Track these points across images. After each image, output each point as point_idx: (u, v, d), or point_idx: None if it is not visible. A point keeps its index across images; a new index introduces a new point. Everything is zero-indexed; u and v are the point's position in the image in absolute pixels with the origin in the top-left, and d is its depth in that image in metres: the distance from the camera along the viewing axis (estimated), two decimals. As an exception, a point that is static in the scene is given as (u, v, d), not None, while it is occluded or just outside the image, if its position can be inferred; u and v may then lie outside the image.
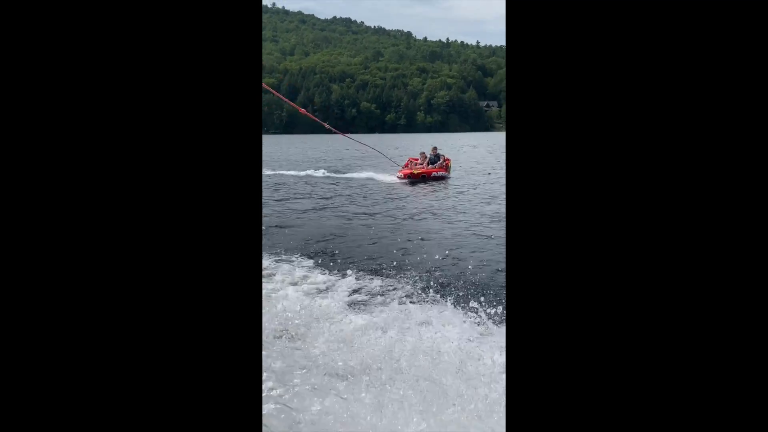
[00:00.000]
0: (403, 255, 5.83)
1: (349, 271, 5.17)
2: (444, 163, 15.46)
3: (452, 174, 15.91)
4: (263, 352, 2.65)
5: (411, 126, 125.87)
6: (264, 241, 6.38)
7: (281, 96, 6.31)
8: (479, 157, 26.92)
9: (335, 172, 18.65)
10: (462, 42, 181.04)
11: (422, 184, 13.98)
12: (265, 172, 18.18)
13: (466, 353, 3.29)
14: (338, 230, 7.53)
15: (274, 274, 5.27)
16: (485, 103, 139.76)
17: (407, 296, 4.53)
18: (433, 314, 4.06)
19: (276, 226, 7.72)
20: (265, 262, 5.67)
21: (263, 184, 13.46)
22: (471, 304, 4.10)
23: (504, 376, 1.77)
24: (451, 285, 4.73)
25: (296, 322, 3.92)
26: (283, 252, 6.07)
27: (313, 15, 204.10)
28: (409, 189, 13.14)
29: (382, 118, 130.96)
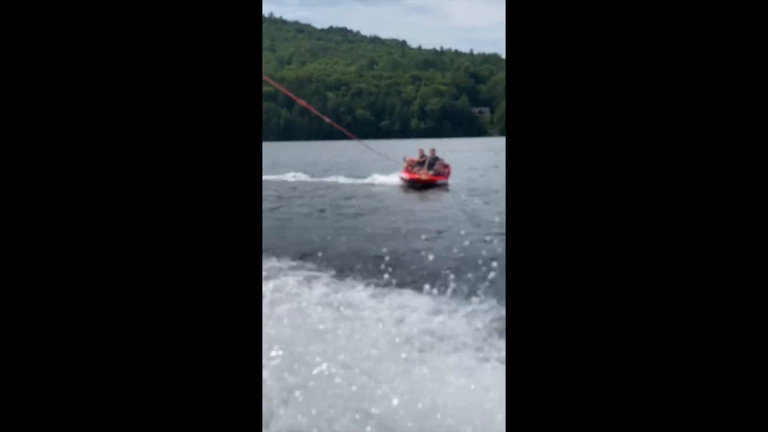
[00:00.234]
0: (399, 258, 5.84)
1: (351, 275, 5.10)
2: (446, 170, 15.22)
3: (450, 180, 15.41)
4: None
5: (405, 132, 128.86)
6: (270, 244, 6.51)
7: (309, 105, 6.98)
8: (478, 165, 26.12)
9: (348, 176, 18.48)
10: (456, 50, 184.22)
11: (425, 190, 13.82)
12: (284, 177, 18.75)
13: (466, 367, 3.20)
14: (335, 234, 7.58)
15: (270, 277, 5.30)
16: (478, 109, 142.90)
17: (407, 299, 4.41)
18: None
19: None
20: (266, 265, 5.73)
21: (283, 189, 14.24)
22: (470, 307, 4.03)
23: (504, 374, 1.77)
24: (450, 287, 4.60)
25: (289, 324, 3.84)
26: (284, 257, 6.05)
27: (309, 24, 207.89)
28: (414, 194, 13.23)
29: (377, 124, 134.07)
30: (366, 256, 6.06)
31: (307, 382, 2.89)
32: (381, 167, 17.02)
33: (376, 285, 4.73)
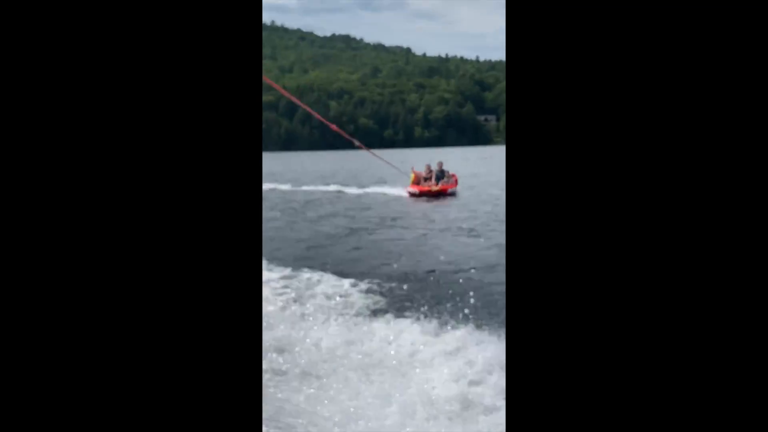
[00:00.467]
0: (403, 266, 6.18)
1: (350, 280, 5.39)
2: (453, 180, 15.78)
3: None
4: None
5: (409, 141, 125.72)
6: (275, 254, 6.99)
7: (318, 115, 6.79)
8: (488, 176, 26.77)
9: (358, 187, 19.20)
10: (461, 57, 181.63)
11: (434, 200, 14.49)
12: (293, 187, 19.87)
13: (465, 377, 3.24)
14: (340, 241, 8.10)
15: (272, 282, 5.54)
16: (483, 117, 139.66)
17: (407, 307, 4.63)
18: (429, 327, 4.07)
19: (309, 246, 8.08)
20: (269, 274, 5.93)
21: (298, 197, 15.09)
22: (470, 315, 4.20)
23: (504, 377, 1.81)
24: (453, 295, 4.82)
25: (290, 333, 4.02)
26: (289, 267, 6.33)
27: (312, 32, 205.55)
28: (424, 205, 13.79)
29: (381, 133, 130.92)
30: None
31: None
32: (389, 177, 17.91)
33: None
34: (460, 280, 5.57)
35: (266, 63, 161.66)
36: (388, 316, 4.48)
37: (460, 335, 3.85)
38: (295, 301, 5.01)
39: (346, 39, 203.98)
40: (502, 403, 2.83)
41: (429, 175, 15.68)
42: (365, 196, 16.46)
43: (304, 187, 20.19)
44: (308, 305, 4.85)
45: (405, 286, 5.36)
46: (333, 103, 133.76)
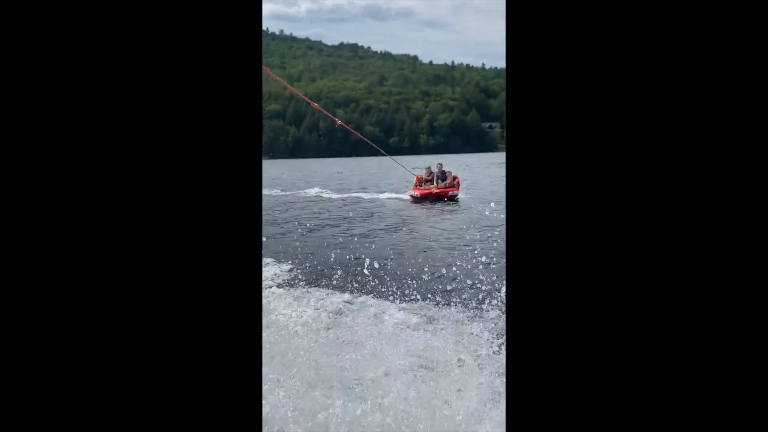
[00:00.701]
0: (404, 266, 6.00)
1: (351, 281, 5.28)
2: (455, 182, 15.47)
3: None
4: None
5: (414, 148, 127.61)
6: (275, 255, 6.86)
7: (332, 116, 6.91)
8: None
9: (366, 192, 19.20)
10: (468, 65, 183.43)
11: (436, 203, 14.18)
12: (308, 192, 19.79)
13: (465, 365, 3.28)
14: (344, 246, 7.85)
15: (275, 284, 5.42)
16: (488, 124, 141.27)
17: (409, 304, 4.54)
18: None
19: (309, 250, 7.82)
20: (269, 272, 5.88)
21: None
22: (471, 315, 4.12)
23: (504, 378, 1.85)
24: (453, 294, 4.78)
25: (293, 329, 3.97)
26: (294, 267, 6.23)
27: (320, 41, 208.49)
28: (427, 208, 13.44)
29: (386, 141, 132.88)
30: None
31: None
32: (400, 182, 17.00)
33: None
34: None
35: (275, 71, 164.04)
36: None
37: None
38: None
39: (354, 48, 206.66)
40: None
41: (429, 177, 15.51)
42: (368, 201, 16.33)
43: (288, 192, 20.59)
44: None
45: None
46: (339, 111, 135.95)
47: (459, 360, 3.37)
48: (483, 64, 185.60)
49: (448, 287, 5.09)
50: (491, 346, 3.56)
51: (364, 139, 10.27)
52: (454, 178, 15.63)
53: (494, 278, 5.22)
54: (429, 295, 4.78)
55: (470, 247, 7.54)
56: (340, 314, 4.44)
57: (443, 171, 15.55)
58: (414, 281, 5.15)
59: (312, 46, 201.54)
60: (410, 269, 5.71)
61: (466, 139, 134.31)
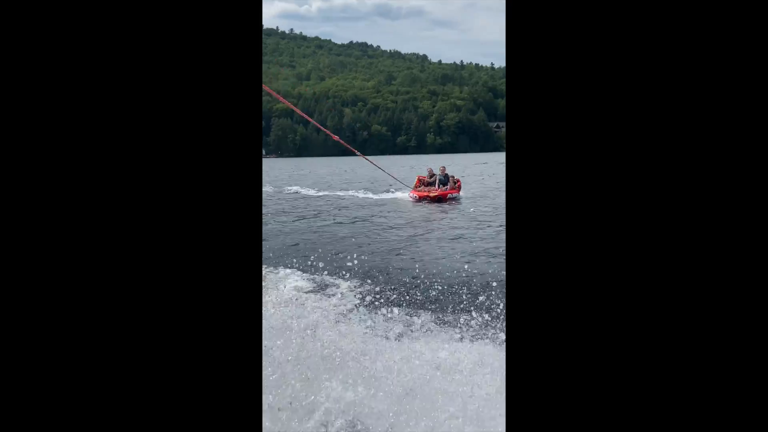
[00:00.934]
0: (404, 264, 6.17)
1: (349, 280, 5.29)
2: (456, 185, 15.46)
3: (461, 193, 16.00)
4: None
5: (421, 148, 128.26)
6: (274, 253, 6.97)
7: (319, 125, 6.52)
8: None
9: (366, 192, 19.33)
10: (477, 64, 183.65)
11: (436, 205, 14.17)
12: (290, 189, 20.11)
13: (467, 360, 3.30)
14: (348, 244, 8.11)
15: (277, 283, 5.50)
16: (495, 124, 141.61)
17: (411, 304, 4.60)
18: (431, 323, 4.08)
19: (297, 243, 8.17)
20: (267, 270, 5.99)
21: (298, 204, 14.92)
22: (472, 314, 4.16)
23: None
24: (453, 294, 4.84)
25: (295, 326, 3.94)
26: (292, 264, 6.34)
27: (330, 40, 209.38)
28: (424, 209, 13.59)
29: (393, 140, 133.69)
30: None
31: None
32: (396, 183, 17.35)
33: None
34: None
35: (284, 71, 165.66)
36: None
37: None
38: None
39: (363, 46, 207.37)
40: None
41: (431, 180, 15.56)
42: (368, 200, 16.61)
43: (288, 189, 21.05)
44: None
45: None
46: (347, 110, 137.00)
47: (460, 360, 3.36)
48: (492, 64, 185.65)
49: (448, 287, 5.07)
50: (491, 346, 3.55)
51: (340, 140, 10.53)
52: (456, 181, 15.58)
53: (494, 278, 5.38)
54: (425, 295, 4.87)
55: (470, 245, 7.87)
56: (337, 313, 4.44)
57: (446, 174, 15.51)
58: (411, 281, 5.16)
59: (322, 44, 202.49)
60: (408, 269, 5.73)
61: (473, 139, 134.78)
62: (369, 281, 5.38)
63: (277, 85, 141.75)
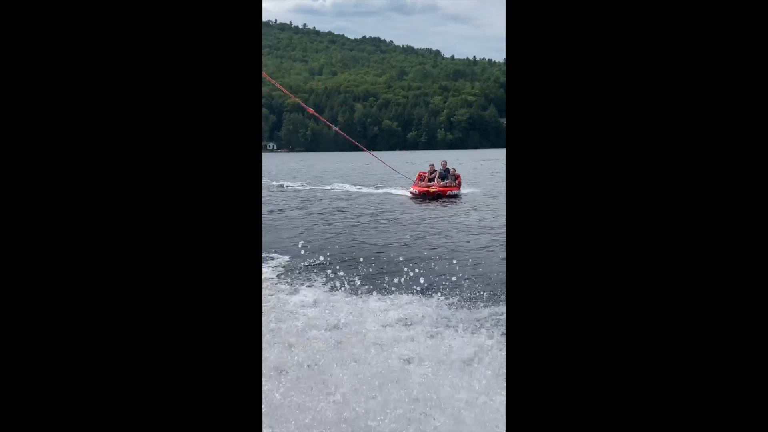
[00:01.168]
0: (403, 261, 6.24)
1: (349, 281, 5.28)
2: (456, 181, 15.39)
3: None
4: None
5: (432, 143, 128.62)
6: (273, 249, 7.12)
7: (319, 116, 7.13)
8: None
9: (359, 186, 19.73)
10: (489, 60, 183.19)
11: (437, 200, 14.24)
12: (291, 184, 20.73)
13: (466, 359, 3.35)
14: (345, 240, 8.31)
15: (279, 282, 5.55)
16: (505, 119, 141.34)
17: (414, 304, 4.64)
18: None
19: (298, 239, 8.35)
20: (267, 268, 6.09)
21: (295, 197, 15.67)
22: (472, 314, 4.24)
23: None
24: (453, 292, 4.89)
25: (294, 325, 4.02)
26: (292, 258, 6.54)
27: (343, 35, 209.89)
28: (423, 204, 13.74)
29: (404, 135, 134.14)
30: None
31: None
32: (399, 178, 17.41)
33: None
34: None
35: (297, 65, 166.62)
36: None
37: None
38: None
39: (376, 41, 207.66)
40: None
41: (432, 176, 15.51)
42: (364, 196, 16.76)
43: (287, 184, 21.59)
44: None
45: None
46: (359, 105, 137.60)
47: (459, 360, 3.40)
48: (505, 59, 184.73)
49: (448, 284, 5.13)
50: (491, 345, 3.59)
51: (345, 135, 10.48)
52: (456, 177, 15.54)
53: (492, 275, 5.47)
54: (425, 291, 4.96)
55: (470, 243, 7.97)
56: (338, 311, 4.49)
57: (446, 168, 15.51)
58: (411, 277, 5.22)
59: (335, 39, 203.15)
60: (409, 265, 5.77)
61: (483, 134, 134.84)
62: (358, 275, 5.43)
63: (289, 79, 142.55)
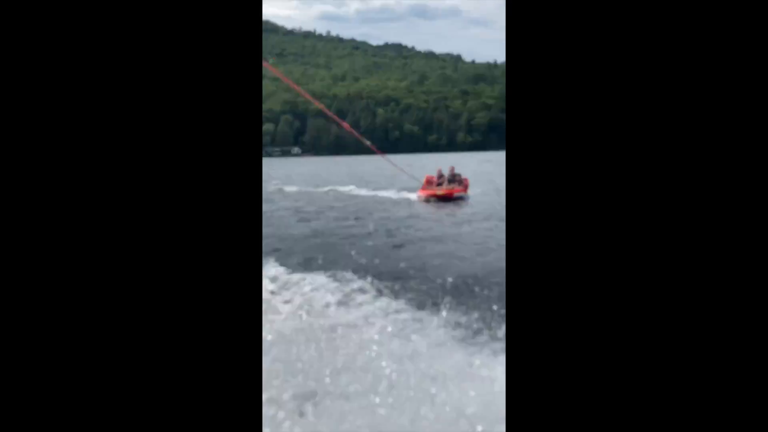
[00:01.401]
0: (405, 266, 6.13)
1: (351, 282, 5.23)
2: (463, 185, 15.39)
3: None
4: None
5: (452, 146, 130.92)
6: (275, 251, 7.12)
7: (333, 115, 7.50)
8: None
9: (369, 189, 19.87)
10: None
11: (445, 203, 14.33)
12: (294, 188, 21.16)
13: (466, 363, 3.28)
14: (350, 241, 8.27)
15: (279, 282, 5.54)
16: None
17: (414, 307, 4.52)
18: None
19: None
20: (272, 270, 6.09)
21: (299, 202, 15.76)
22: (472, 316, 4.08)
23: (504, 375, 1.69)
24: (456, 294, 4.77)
25: (292, 327, 3.95)
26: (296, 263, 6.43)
27: (365, 42, 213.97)
28: (431, 207, 13.85)
29: (425, 139, 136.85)
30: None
31: None
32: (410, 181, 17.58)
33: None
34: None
35: (320, 72, 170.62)
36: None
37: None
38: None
39: (398, 47, 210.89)
40: None
41: (441, 180, 15.56)
42: (368, 198, 16.84)
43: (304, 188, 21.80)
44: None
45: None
46: (380, 110, 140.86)
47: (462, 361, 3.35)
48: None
49: (451, 285, 5.10)
50: (491, 345, 3.54)
51: (358, 135, 10.62)
52: (462, 181, 15.52)
53: (494, 277, 5.34)
54: (428, 292, 4.89)
55: (473, 243, 7.98)
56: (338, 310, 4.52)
57: (454, 174, 15.58)
58: (415, 279, 5.24)
59: (357, 46, 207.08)
60: (413, 268, 5.82)
61: (502, 137, 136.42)
62: (365, 278, 5.41)
63: (313, 86, 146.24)
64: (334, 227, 10.49)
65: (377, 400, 2.88)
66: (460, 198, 15.00)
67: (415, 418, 2.73)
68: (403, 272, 5.89)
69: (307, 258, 6.80)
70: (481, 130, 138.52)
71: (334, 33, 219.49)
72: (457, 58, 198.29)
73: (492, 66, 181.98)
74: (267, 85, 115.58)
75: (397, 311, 4.52)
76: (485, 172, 29.32)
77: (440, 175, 15.88)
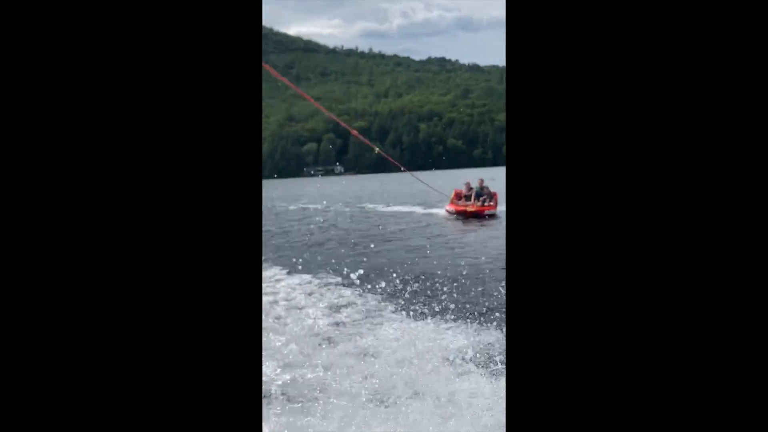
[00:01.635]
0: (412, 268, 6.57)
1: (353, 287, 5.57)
2: (492, 200, 15.07)
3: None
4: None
5: (497, 159, 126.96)
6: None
7: (359, 135, 7.23)
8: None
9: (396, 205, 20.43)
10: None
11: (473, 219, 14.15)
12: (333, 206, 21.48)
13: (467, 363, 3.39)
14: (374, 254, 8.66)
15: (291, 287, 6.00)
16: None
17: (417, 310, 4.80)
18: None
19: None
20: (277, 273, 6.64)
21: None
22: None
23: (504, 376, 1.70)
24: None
25: (293, 327, 4.18)
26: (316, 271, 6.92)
27: (408, 57, 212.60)
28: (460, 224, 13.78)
29: (470, 153, 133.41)
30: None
31: None
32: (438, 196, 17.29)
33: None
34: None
35: (363, 89, 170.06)
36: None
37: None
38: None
39: (441, 61, 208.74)
40: None
41: (469, 194, 15.42)
42: (394, 215, 17.03)
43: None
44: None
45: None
46: (423, 125, 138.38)
47: (463, 360, 3.47)
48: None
49: (461, 290, 5.37)
50: (492, 346, 3.65)
51: (384, 153, 10.39)
52: (492, 194, 15.20)
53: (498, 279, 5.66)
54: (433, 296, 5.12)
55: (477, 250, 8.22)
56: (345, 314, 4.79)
57: (483, 187, 15.35)
58: (431, 287, 5.44)
59: (400, 62, 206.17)
60: (429, 277, 6.05)
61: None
62: (384, 290, 5.58)
63: (356, 104, 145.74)
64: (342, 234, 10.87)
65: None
66: (491, 215, 14.39)
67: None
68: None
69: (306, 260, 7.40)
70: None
71: (376, 50, 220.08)
72: (503, 70, 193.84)
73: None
74: (309, 105, 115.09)
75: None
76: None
77: (469, 189, 15.53)
